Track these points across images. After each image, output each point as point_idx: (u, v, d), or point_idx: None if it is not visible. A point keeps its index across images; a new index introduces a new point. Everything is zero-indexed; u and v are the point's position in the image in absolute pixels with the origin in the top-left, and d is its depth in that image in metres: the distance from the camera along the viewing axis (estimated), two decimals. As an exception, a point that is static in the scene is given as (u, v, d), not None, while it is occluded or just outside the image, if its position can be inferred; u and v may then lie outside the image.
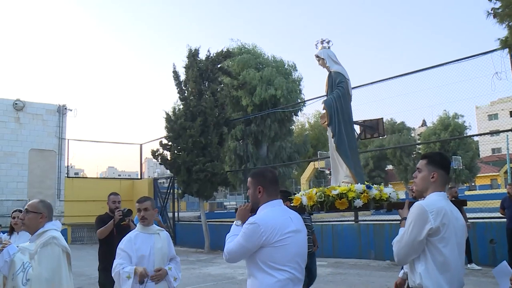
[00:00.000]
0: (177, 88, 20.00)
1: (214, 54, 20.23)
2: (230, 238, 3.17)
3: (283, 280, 2.97)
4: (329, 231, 14.28)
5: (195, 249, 18.76)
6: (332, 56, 4.65)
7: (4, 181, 20.75)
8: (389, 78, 14.28)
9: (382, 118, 15.09)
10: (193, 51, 20.12)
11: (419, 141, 50.70)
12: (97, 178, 38.42)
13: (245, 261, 3.14)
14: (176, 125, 18.90)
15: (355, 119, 14.87)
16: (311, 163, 39.17)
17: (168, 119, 19.49)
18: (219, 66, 20.45)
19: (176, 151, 19.14)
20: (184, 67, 20.17)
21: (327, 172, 35.84)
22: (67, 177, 23.50)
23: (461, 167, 43.15)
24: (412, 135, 54.25)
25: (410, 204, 3.27)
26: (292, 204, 3.98)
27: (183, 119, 18.90)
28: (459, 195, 12.73)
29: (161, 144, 19.72)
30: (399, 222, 3.34)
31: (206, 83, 19.82)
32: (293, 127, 35.41)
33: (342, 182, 4.20)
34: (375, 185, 3.97)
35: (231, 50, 23.54)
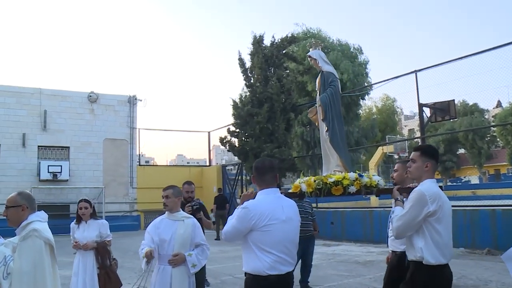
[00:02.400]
0: (243, 75, 20.11)
1: (279, 40, 20.15)
2: (229, 221, 3.44)
3: (271, 262, 3.26)
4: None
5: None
6: (323, 57, 5.05)
7: (82, 170, 21.75)
8: (461, 58, 13.60)
9: (453, 100, 14.55)
10: (258, 37, 20.13)
11: (493, 123, 48.44)
12: (167, 165, 39.42)
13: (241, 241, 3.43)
14: (243, 112, 19.02)
15: (424, 101, 14.54)
16: (379, 148, 38.35)
17: (235, 106, 19.65)
18: (284, 51, 20.35)
19: (243, 138, 19.30)
20: (250, 54, 20.23)
21: (396, 156, 35.03)
22: (139, 165, 24.23)
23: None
24: (486, 117, 51.85)
25: (401, 189, 3.93)
26: (290, 191, 4.27)
27: (250, 105, 19.00)
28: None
29: (228, 131, 19.93)
30: (391, 206, 3.90)
31: (272, 69, 19.80)
32: (360, 111, 34.72)
33: (334, 170, 4.60)
34: (365, 173, 4.50)
35: (295, 35, 23.35)
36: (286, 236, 3.38)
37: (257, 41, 20.01)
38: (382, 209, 15.19)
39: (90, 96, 22.41)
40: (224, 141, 19.92)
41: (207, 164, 28.76)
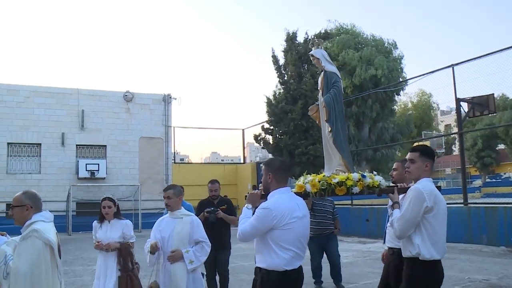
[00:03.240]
0: (277, 72, 20.11)
1: (312, 36, 20.08)
2: (243, 220, 3.56)
3: (288, 258, 3.39)
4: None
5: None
6: (326, 56, 5.03)
7: (119, 168, 22.15)
8: (500, 50, 13.24)
9: (492, 94, 14.21)
10: (291, 34, 20.12)
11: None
12: (201, 163, 39.76)
13: (255, 240, 3.54)
14: (277, 109, 19.04)
15: (462, 96, 14.25)
16: (415, 144, 37.72)
17: (269, 103, 19.67)
18: (317, 48, 20.26)
19: (278, 135, 19.31)
20: (283, 51, 20.23)
21: (432, 152, 34.37)
22: (174, 163, 24.50)
23: None
24: (527, 111, 50.33)
25: (400, 189, 4.11)
26: (293, 190, 4.27)
27: (284, 103, 19.00)
28: None
29: (263, 128, 19.97)
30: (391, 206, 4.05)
31: (306, 66, 19.75)
32: (395, 107, 34.17)
33: (336, 170, 4.69)
34: (368, 174, 4.55)
35: (329, 31, 23.24)
36: (302, 232, 3.52)
37: (290, 38, 19.99)
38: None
39: (126, 95, 22.77)
40: (259, 138, 19.97)
41: (242, 161, 28.87)
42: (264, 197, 3.71)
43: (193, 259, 4.59)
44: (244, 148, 28.01)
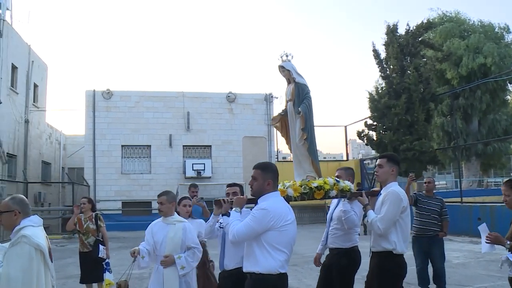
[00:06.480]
0: (378, 67, 19.68)
1: (414, 27, 19.43)
2: (234, 222, 3.62)
3: (283, 260, 3.48)
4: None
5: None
6: (295, 69, 5.15)
7: (223, 167, 22.84)
8: None
9: None
10: (392, 26, 19.59)
11: None
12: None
13: (246, 244, 3.62)
14: (380, 104, 18.65)
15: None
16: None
17: (371, 98, 19.32)
18: (420, 39, 19.59)
19: (381, 131, 18.92)
20: (384, 45, 19.75)
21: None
22: (277, 161, 24.74)
23: None
24: None
25: (367, 193, 4.66)
26: None
27: (386, 97, 18.57)
28: None
29: (366, 124, 19.65)
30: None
31: (408, 59, 19.16)
32: (508, 97, 31.93)
33: (307, 176, 4.88)
34: (341, 179, 4.92)
35: (431, 20, 22.29)
36: (293, 236, 3.61)
37: (391, 31, 19.48)
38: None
39: (229, 96, 23.42)
40: (362, 134, 19.68)
41: (344, 158, 28.57)
42: (253, 201, 3.87)
43: (185, 265, 4.73)
44: (346, 145, 27.71)
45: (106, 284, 6.52)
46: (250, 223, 3.50)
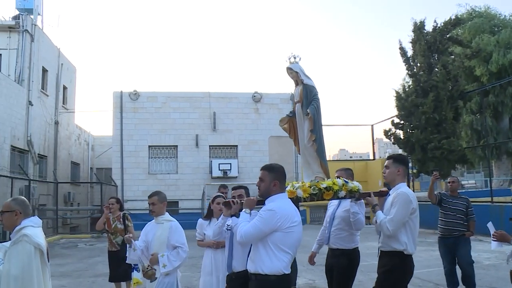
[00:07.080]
0: (405, 65, 19.46)
1: (442, 24, 19.15)
2: (243, 224, 3.65)
3: (287, 261, 3.52)
4: None
5: (433, 231, 18.04)
6: (303, 70, 5.16)
7: (250, 167, 22.85)
8: None
9: None
10: (419, 23, 19.35)
11: None
12: (330, 160, 39.51)
13: (252, 245, 3.65)
14: (407, 102, 18.44)
15: None
16: None
17: (398, 97, 19.12)
18: (448, 36, 19.29)
19: (409, 130, 18.71)
20: (411, 42, 19.53)
21: None
22: (303, 160, 24.63)
23: None
24: None
25: (376, 193, 4.68)
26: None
27: (414, 96, 18.35)
28: None
29: (392, 123, 19.45)
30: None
31: (436, 56, 18.90)
32: (541, 94, 31.18)
33: (316, 177, 4.91)
34: (350, 180, 4.93)
35: (460, 16, 21.94)
36: (299, 237, 3.62)
37: (418, 28, 19.24)
38: None
39: (254, 96, 23.45)
40: (389, 133, 19.49)
41: (371, 157, 28.33)
42: (261, 202, 3.88)
43: (166, 263, 4.76)
44: (373, 144, 27.45)
45: (134, 283, 6.58)
46: (258, 224, 3.53)
